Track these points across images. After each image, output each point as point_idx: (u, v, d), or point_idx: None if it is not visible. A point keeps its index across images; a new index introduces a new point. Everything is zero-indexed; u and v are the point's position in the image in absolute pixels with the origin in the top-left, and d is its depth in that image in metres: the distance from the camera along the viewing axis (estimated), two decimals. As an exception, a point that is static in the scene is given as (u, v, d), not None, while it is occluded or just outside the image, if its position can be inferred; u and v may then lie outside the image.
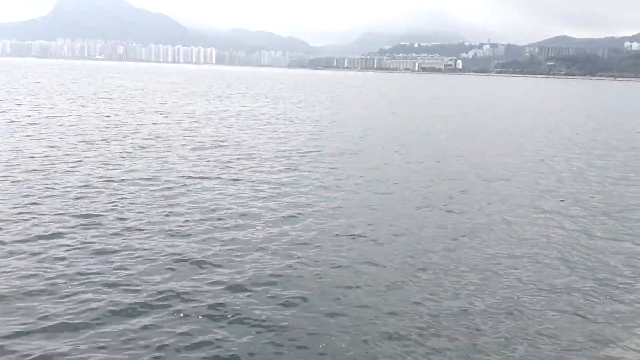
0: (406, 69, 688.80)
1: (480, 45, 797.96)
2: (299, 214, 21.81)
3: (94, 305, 13.16)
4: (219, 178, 27.58)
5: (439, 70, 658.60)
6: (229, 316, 13.04)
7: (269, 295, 14.26)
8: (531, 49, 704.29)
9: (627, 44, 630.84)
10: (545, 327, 13.20)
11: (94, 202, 22.02)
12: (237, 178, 27.78)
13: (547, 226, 21.61)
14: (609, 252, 18.72)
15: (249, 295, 14.18)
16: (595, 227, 21.68)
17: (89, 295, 13.67)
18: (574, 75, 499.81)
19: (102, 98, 79.31)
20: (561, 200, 25.90)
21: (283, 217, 21.27)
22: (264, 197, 24.13)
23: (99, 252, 16.53)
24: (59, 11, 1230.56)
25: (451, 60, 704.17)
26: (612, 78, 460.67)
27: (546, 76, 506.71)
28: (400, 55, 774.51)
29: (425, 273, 16.18)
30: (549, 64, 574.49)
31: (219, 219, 20.52)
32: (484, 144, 45.31)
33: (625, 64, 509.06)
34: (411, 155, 37.54)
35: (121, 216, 20.25)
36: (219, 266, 16.00)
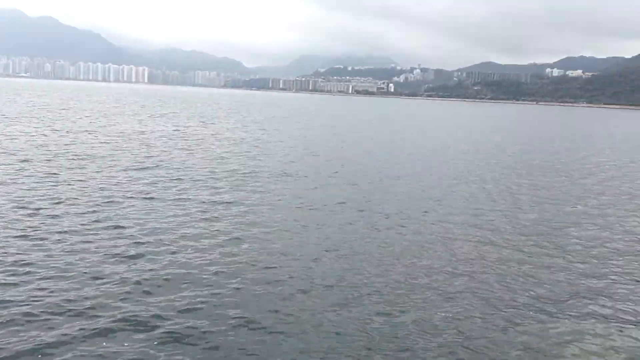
0: (340, 91, 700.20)
1: (411, 70, 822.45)
2: (239, 235, 21.45)
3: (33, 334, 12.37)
4: (152, 199, 26.78)
5: (372, 93, 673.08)
6: (170, 338, 12.70)
7: (214, 316, 13.91)
8: (459, 73, 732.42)
9: (548, 70, 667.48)
10: (480, 340, 13.48)
11: (25, 225, 20.85)
12: (171, 199, 27.06)
13: (482, 243, 22.20)
14: (541, 269, 19.41)
15: (194, 317, 13.78)
16: (528, 245, 22.47)
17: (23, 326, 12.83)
18: (499, 99, 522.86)
19: (27, 117, 75.80)
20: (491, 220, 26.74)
21: (223, 238, 20.87)
22: (198, 219, 23.58)
23: (30, 275, 15.59)
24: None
25: (384, 83, 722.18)
26: (535, 102, 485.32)
27: (473, 100, 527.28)
28: (335, 77, 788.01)
29: (367, 291, 16.21)
30: (475, 88, 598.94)
31: (153, 242, 19.86)
32: (420, 165, 46.39)
33: (547, 89, 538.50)
34: (349, 176, 37.85)
35: (56, 238, 19.34)
36: (160, 287, 15.55)
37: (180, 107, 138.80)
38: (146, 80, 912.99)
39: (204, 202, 26.95)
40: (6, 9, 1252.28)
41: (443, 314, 14.96)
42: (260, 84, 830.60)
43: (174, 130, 68.21)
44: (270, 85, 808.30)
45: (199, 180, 33.01)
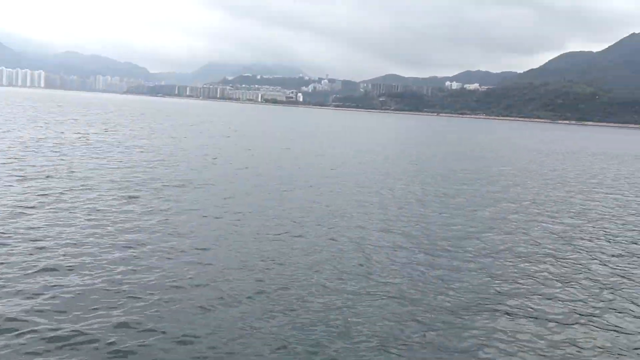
0: (249, 100, 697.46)
1: (320, 80, 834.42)
2: (138, 249, 20.58)
3: None
4: (59, 210, 25.20)
5: (281, 102, 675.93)
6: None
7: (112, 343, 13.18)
8: (365, 85, 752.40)
9: (447, 83, 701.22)
10: (396, 341, 13.74)
11: None
12: (70, 209, 25.56)
13: (394, 249, 22.70)
14: (453, 272, 20.14)
15: (110, 330, 12.97)
16: (438, 250, 23.24)
17: None
18: (403, 110, 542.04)
19: None
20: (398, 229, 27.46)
21: (121, 254, 19.93)
22: (101, 232, 22.42)
23: None
24: None
25: (292, 92, 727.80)
26: (436, 114, 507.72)
27: (378, 111, 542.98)
28: (244, 86, 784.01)
29: (280, 298, 16.04)
30: (381, 99, 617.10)
31: (47, 256, 18.61)
32: (333, 174, 46.89)
33: (447, 101, 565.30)
34: (257, 186, 37.55)
35: None
36: (72, 302, 14.53)
37: (81, 113, 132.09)
38: (43, 85, 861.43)
39: (114, 212, 25.75)
40: None
41: (356, 319, 15.16)
42: (166, 90, 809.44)
43: (78, 138, 64.75)
44: (176, 92, 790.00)
45: (108, 189, 31.47)
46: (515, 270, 21.10)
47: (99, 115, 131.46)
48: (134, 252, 19.95)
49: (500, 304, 17.22)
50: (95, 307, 14.72)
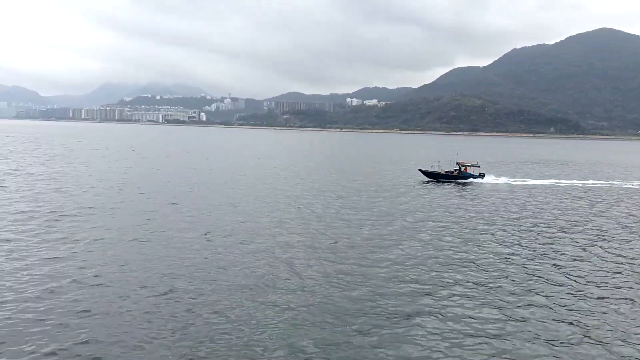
0: (150, 121, 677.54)
1: (222, 99, 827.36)
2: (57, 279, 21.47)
3: None
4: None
5: (184, 122, 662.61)
6: None
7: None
8: (268, 103, 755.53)
9: (348, 99, 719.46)
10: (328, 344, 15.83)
11: None
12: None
13: (318, 259, 24.94)
14: (377, 279, 22.68)
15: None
16: (357, 257, 25.75)
17: None
18: (307, 127, 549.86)
19: None
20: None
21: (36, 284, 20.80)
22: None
23: None
24: None
25: (195, 112, 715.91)
26: (339, 129, 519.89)
27: (283, 128, 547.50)
28: (143, 106, 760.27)
29: (202, 304, 17.75)
30: (285, 117, 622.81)
31: None
32: (243, 192, 48.49)
33: (348, 117, 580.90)
34: (165, 207, 38.56)
35: None
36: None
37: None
38: None
39: (26, 241, 26.15)
40: None
41: (283, 325, 17.27)
42: (60, 113, 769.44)
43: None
44: (71, 115, 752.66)
45: (15, 221, 31.50)
46: (430, 275, 24.03)
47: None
48: (50, 281, 20.81)
49: (420, 304, 19.96)
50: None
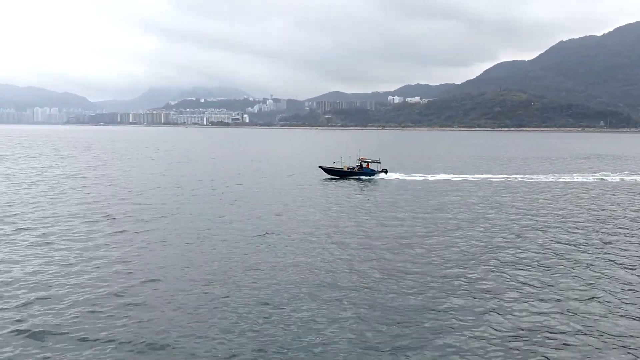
0: (194, 123, 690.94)
1: (264, 101, 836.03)
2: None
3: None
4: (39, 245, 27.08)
5: (227, 124, 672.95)
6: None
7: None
8: (310, 103, 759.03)
9: (390, 97, 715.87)
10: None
11: None
12: (45, 244, 27.66)
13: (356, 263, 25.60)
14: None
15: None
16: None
17: None
18: (349, 126, 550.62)
19: None
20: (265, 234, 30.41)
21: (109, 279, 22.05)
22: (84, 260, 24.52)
23: None
24: None
25: (238, 114, 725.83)
26: (381, 127, 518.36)
27: (325, 127, 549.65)
28: (188, 110, 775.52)
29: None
30: (326, 116, 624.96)
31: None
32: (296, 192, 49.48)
33: (390, 115, 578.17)
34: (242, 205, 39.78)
35: None
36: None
37: (26, 147, 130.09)
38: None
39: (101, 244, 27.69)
40: None
41: (351, 323, 17.87)
42: (108, 118, 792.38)
43: (36, 174, 65.14)
44: (119, 119, 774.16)
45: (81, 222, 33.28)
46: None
47: (45, 147, 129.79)
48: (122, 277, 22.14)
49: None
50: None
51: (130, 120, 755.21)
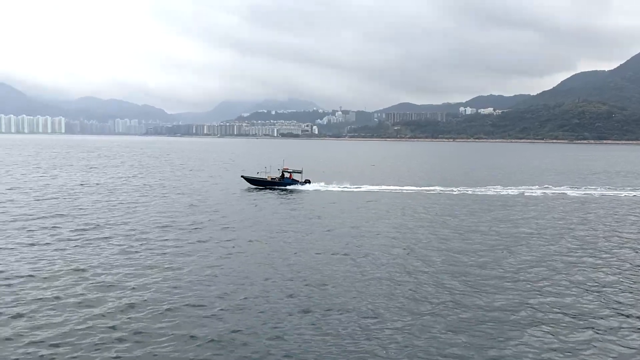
0: (265, 135, 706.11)
1: (333, 112, 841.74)
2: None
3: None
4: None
5: (297, 135, 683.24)
6: None
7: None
8: (379, 114, 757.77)
9: (461, 108, 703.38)
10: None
11: None
12: (140, 249, 29.08)
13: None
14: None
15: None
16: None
17: None
18: (419, 137, 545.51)
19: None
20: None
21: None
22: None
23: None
24: None
25: (307, 126, 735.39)
26: (452, 139, 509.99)
27: (394, 139, 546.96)
28: (259, 121, 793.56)
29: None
30: (395, 128, 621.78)
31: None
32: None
33: (462, 126, 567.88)
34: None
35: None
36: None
37: (111, 156, 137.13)
38: (63, 131, 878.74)
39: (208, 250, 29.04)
40: None
41: (437, 332, 18.03)
42: (184, 130, 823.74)
43: (122, 183, 68.65)
44: (194, 131, 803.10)
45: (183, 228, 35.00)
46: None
47: (128, 157, 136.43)
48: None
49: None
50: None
51: (205, 132, 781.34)
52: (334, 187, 63.15)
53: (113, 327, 18.46)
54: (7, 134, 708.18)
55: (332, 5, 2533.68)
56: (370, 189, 62.39)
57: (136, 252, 29.14)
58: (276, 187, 62.87)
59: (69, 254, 28.36)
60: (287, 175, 64.59)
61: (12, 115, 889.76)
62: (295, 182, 63.81)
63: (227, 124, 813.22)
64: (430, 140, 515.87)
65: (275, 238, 34.02)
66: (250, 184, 65.04)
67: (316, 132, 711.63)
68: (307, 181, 64.24)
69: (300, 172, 65.27)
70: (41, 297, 21.32)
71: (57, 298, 21.25)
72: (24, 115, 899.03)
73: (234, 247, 31.05)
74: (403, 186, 65.30)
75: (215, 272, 25.60)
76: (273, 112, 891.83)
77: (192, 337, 17.84)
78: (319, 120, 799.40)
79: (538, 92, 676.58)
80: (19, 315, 19.33)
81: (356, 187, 63.61)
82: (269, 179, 64.25)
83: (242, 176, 68.35)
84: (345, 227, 37.89)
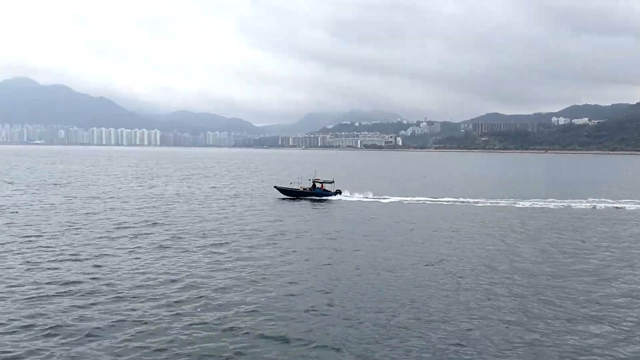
0: (349, 146, 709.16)
1: (418, 123, 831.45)
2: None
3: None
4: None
5: (381, 147, 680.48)
6: None
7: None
8: (466, 125, 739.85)
9: (554, 119, 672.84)
10: None
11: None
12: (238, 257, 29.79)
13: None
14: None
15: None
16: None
17: None
18: (508, 149, 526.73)
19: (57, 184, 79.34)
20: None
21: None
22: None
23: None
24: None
25: (391, 137, 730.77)
26: (544, 151, 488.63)
27: (482, 150, 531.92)
28: (343, 133, 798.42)
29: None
30: (483, 138, 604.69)
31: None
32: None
33: (554, 137, 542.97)
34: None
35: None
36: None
37: (207, 166, 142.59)
38: (158, 143, 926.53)
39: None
40: (18, 79, 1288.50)
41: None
42: (270, 142, 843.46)
43: (213, 190, 71.08)
44: (280, 143, 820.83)
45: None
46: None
47: (220, 167, 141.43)
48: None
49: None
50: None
51: (290, 144, 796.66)
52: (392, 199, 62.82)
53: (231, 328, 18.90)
54: (107, 146, 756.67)
55: (417, 16, 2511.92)
56: (453, 201, 61.04)
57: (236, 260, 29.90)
58: (307, 197, 63.72)
59: (167, 261, 29.55)
60: (318, 185, 65.51)
61: (112, 129, 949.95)
62: (327, 192, 64.73)
63: (312, 135, 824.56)
64: (521, 151, 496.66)
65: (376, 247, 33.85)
66: (283, 194, 65.94)
67: (400, 144, 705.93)
68: (338, 191, 65.17)
69: (331, 183, 66.43)
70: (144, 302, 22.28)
71: (167, 306, 22.14)
72: (123, 129, 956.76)
73: (332, 255, 31.21)
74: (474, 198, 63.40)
75: (313, 280, 25.75)
76: (357, 124, 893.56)
77: (298, 339, 18.04)
78: (402, 131, 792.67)
79: (638, 101, 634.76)
80: (142, 322, 20.23)
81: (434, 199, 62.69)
82: (302, 189, 65.06)
83: (275, 187, 69.26)
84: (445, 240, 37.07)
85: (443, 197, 63.48)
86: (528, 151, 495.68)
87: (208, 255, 30.44)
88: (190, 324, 19.35)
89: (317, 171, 79.74)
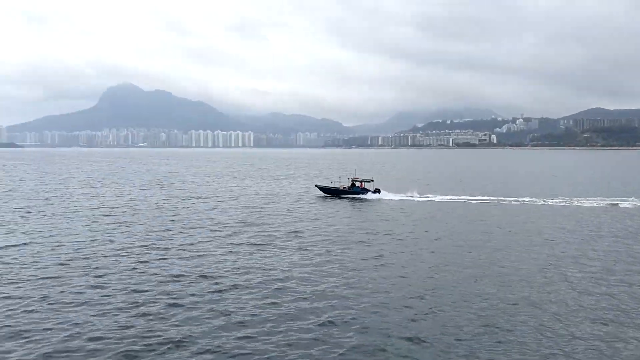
0: (440, 145, 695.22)
1: (514, 120, 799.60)
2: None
3: None
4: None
5: (474, 145, 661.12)
6: None
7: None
8: (565, 121, 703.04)
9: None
10: None
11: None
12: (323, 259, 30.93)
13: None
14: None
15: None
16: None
17: None
18: (612, 146, 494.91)
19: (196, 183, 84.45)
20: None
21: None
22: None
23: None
24: (104, 103, 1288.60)
25: (485, 135, 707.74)
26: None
27: (583, 147, 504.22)
28: (434, 132, 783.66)
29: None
30: (584, 135, 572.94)
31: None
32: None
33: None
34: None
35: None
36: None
37: (303, 167, 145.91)
38: (252, 145, 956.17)
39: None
40: (123, 85, 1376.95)
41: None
42: (360, 142, 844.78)
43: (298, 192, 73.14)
44: (369, 142, 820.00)
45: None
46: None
47: (318, 168, 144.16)
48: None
49: None
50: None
51: (379, 143, 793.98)
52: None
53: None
54: (205, 148, 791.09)
55: (509, 10, 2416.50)
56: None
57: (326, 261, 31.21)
58: (347, 195, 64.93)
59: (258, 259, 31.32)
60: (357, 184, 66.69)
61: (209, 131, 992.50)
62: (365, 190, 65.51)
63: (402, 134, 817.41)
64: (627, 148, 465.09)
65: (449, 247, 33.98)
66: (323, 192, 67.71)
67: (495, 141, 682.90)
68: (377, 190, 65.56)
69: (370, 181, 67.44)
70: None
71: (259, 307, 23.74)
72: (219, 131, 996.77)
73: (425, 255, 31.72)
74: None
75: (401, 279, 26.45)
76: (448, 122, 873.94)
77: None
78: (497, 128, 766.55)
79: None
80: (240, 324, 21.92)
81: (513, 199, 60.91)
82: (342, 188, 66.22)
83: (315, 185, 71.87)
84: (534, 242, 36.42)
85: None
86: (635, 147, 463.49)
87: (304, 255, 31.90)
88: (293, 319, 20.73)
89: (356, 170, 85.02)
